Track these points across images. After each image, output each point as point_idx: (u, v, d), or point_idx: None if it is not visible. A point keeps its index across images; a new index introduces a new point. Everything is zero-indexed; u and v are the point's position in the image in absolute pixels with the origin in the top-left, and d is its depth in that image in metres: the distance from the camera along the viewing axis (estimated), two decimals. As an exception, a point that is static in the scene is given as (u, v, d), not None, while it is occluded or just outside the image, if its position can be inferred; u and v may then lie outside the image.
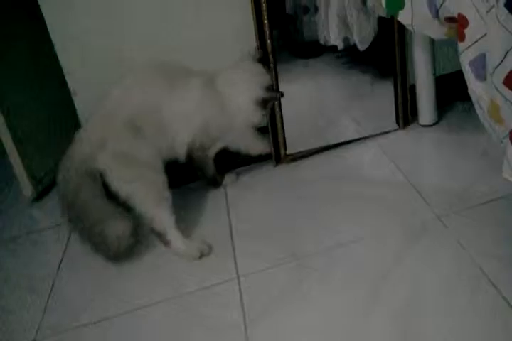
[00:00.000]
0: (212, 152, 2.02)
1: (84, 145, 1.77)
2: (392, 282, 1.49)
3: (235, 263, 1.71)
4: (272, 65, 2.02)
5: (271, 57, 2.02)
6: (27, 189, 2.40)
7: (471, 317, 1.33)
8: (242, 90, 1.93)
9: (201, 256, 1.77)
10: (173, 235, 1.79)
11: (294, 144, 2.19)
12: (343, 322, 1.40)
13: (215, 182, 2.13)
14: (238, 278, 1.64)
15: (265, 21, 1.97)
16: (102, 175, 1.74)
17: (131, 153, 1.76)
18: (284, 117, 2.13)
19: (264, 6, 1.94)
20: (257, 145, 2.13)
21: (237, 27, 2.03)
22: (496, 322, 1.30)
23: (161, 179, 1.80)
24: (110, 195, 1.75)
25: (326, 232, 1.75)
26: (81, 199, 1.74)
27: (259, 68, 1.95)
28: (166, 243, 1.80)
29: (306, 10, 2.44)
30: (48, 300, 1.78)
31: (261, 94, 1.92)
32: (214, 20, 2.04)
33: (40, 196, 2.42)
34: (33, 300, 1.79)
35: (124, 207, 1.77)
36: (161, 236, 1.80)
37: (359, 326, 1.38)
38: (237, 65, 1.97)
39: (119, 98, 1.82)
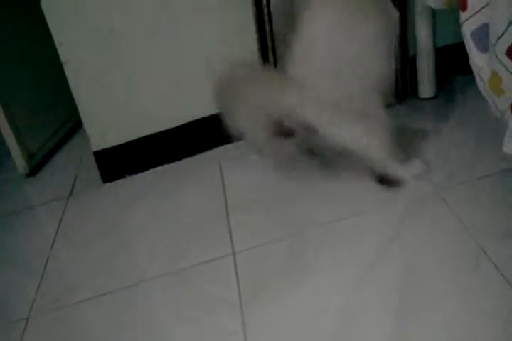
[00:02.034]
0: None
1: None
2: (390, 258, 1.46)
3: (231, 238, 1.68)
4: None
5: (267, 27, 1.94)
6: (21, 165, 2.37)
7: (470, 295, 1.30)
8: None
9: None
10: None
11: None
12: (338, 297, 1.37)
13: None
14: (234, 254, 1.61)
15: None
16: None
17: None
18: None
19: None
20: None
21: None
22: (494, 300, 1.27)
23: None
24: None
25: (324, 206, 1.71)
26: None
27: None
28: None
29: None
30: (41, 276, 1.76)
31: None
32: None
33: (33, 171, 2.40)
34: (27, 277, 1.77)
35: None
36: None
37: (354, 301, 1.35)
38: None
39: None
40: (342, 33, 1.58)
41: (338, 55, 1.58)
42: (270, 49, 1.97)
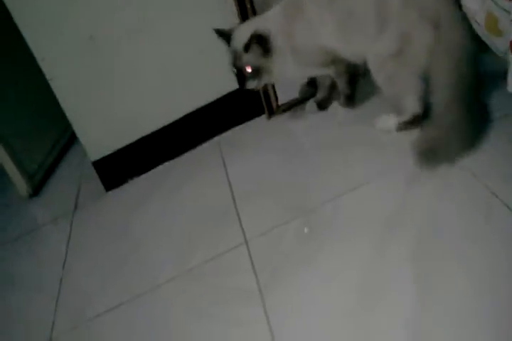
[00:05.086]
0: None
1: None
2: (405, 218, 1.39)
3: (241, 227, 1.60)
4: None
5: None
6: (22, 187, 2.32)
7: (489, 242, 1.23)
8: None
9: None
10: None
11: (285, 93, 2.05)
12: (359, 268, 1.31)
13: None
14: (246, 242, 1.54)
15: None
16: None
17: None
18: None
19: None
20: None
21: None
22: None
23: None
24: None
25: (329, 181, 1.63)
26: None
27: None
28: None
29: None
30: (58, 296, 1.71)
31: None
32: None
33: (36, 191, 2.34)
34: (43, 298, 1.73)
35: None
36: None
37: (376, 268, 1.29)
38: None
39: None
40: None
41: None
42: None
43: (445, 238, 1.29)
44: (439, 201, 1.40)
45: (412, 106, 1.64)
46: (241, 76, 1.72)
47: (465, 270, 1.19)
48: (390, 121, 1.70)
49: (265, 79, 1.76)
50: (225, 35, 1.73)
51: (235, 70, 1.73)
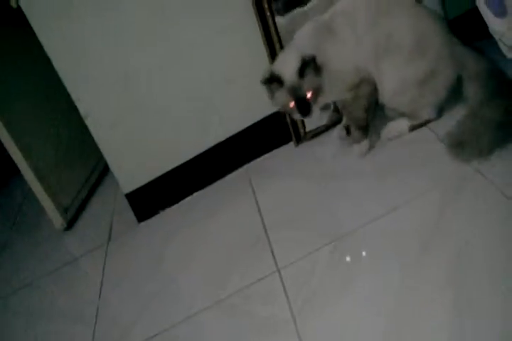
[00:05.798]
0: None
1: None
2: (440, 241, 1.38)
3: (273, 255, 1.61)
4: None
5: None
6: (57, 220, 2.37)
7: None
8: None
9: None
10: None
11: (312, 119, 1.98)
12: (395, 293, 1.30)
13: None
14: (278, 271, 1.55)
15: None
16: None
17: None
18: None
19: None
20: None
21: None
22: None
23: None
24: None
25: (360, 206, 1.62)
26: None
27: None
28: None
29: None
30: (95, 326, 1.73)
31: None
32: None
33: (70, 224, 2.39)
34: (80, 330, 1.76)
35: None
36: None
37: (413, 293, 1.28)
38: None
39: None
40: None
41: None
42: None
43: (482, 259, 1.28)
44: (474, 223, 1.38)
45: (427, 114, 1.78)
46: (304, 105, 1.67)
47: (504, 292, 1.18)
48: (402, 125, 1.81)
49: (320, 101, 1.73)
50: (274, 78, 1.67)
51: (293, 104, 1.67)
